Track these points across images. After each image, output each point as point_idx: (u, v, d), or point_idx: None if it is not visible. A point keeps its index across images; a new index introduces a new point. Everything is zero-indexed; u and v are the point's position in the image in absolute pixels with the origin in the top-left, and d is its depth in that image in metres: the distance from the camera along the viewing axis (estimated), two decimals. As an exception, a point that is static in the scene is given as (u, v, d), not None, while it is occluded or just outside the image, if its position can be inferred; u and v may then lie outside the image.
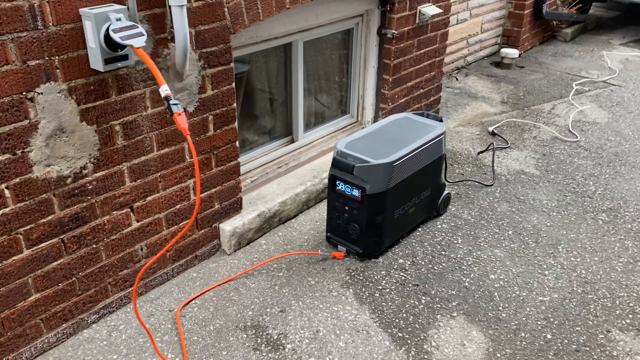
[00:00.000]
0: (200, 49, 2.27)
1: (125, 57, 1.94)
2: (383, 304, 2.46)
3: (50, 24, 1.79)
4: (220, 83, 2.42)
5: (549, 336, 2.31)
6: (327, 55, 3.29)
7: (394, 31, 3.29)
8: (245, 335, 2.27)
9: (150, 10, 2.05)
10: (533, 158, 3.73)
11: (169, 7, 2.07)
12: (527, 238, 2.92)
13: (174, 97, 1.78)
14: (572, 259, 2.77)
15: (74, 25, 1.85)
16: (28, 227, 1.95)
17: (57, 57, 1.84)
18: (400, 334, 2.30)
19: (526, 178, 3.49)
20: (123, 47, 1.87)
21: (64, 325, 2.20)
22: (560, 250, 2.83)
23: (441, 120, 2.92)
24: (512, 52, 5.47)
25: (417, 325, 2.35)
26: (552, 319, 2.40)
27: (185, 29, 2.08)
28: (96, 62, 1.89)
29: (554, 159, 3.71)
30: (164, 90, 1.78)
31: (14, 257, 1.95)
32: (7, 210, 1.87)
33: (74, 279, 2.16)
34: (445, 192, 3.06)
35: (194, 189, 2.50)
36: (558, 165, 3.63)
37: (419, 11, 3.43)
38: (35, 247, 2.00)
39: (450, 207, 3.17)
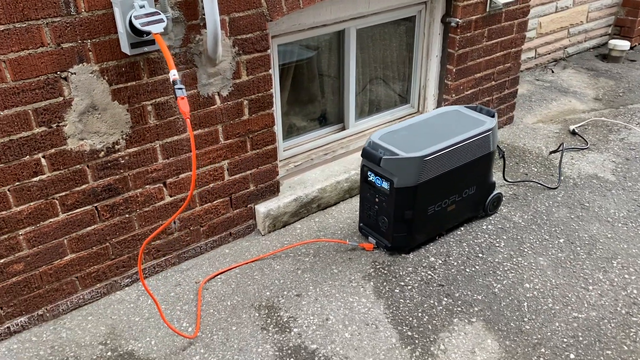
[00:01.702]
0: (234, 36, 2.35)
1: (151, 42, 2.07)
2: (401, 300, 2.41)
3: (83, 10, 1.96)
4: (256, 69, 2.48)
5: (572, 356, 2.13)
6: (387, 43, 3.23)
7: (458, 20, 3.15)
8: (257, 314, 2.35)
9: (182, -2, 2.16)
10: (613, 162, 3.40)
11: (200, -6, 2.17)
12: (579, 248, 2.69)
13: (180, 82, 1.87)
14: (626, 276, 2.51)
15: (105, 11, 2.00)
16: (63, 193, 2.17)
17: (89, 41, 2.01)
18: (409, 333, 2.25)
19: (598, 183, 3.19)
20: (147, 32, 2.00)
21: (98, 285, 2.43)
22: (615, 265, 2.58)
23: (493, 116, 2.76)
24: (622, 44, 4.97)
25: (429, 326, 2.28)
26: (581, 338, 2.20)
27: (216, 16, 2.16)
28: (124, 46, 2.04)
29: (638, 165, 3.35)
30: (172, 74, 1.88)
31: (51, 220, 2.18)
32: (43, 177, 2.10)
33: (107, 244, 2.37)
34: (496, 191, 2.89)
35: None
36: (640, 172, 3.28)
37: (490, -1, 3.24)
38: (70, 212, 2.22)
39: (501, 208, 3.00)
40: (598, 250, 2.68)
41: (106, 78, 2.10)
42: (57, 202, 2.17)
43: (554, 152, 3.53)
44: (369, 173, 2.59)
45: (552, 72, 4.87)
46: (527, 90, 4.44)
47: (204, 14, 2.23)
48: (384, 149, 2.49)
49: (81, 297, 2.40)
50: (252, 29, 2.39)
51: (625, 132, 3.75)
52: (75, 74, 2.02)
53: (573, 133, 3.75)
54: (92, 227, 2.30)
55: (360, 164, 2.63)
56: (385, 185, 2.52)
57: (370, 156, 2.51)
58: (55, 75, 1.98)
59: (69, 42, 1.97)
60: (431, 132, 2.63)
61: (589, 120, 3.91)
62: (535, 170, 3.35)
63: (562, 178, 3.25)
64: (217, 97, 2.42)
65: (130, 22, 1.96)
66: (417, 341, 2.21)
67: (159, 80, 2.23)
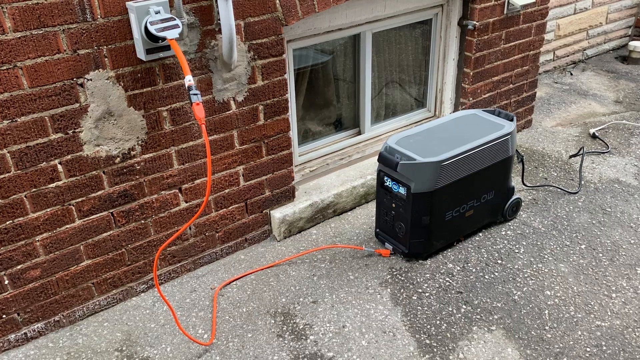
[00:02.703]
0: (249, 41, 2.34)
1: (167, 48, 2.07)
2: (418, 307, 2.37)
3: (99, 17, 1.96)
4: (272, 74, 2.47)
5: (595, 366, 2.08)
6: (402, 47, 3.20)
7: (475, 22, 3.11)
8: (273, 321, 2.33)
9: (197, 3, 2.15)
10: (635, 166, 3.32)
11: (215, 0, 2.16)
12: (601, 254, 2.63)
13: (195, 88, 1.86)
14: (650, 283, 2.45)
15: (121, 17, 2.00)
16: (79, 199, 2.17)
17: (105, 47, 2.01)
18: (427, 341, 2.21)
19: (620, 188, 3.12)
20: (163, 38, 1.99)
21: (114, 291, 2.42)
22: (639, 272, 2.51)
23: (512, 120, 2.72)
24: (642, 45, 4.88)
25: (448, 334, 2.24)
26: (605, 348, 2.15)
27: (231, 21, 2.15)
28: (140, 52, 2.04)
29: (661, 169, 3.28)
30: (188, 80, 1.87)
31: (67, 226, 2.18)
32: (60, 183, 2.10)
33: (123, 250, 2.37)
34: (515, 196, 2.84)
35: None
36: (664, 176, 3.20)
37: (508, 1, 3.19)
38: (86, 218, 2.22)
39: (520, 213, 2.95)
40: (621, 256, 2.61)
41: (122, 84, 2.09)
42: (73, 208, 2.17)
43: (574, 156, 3.46)
44: (385, 178, 2.56)
45: (571, 74, 4.79)
46: (546, 93, 4.38)
47: (219, 19, 2.22)
48: (401, 154, 2.46)
49: (97, 303, 2.40)
50: (267, 33, 2.38)
51: (648, 135, 3.68)
52: (91, 80, 2.02)
53: (593, 136, 3.68)
54: (108, 233, 2.30)
55: (377, 169, 2.60)
56: (402, 190, 2.49)
57: (387, 161, 2.48)
58: (72, 81, 1.99)
59: (85, 48, 1.97)
60: (448, 136, 2.59)
61: (610, 123, 3.84)
62: (555, 174, 3.29)
63: (582, 182, 3.19)
64: (232, 102, 2.41)
65: (146, 27, 1.96)
66: (435, 349, 2.17)
67: (175, 85, 2.23)
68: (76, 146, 2.08)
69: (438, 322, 2.30)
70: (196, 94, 1.84)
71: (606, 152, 3.49)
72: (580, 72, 4.80)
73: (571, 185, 3.18)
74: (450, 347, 2.18)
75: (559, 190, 3.14)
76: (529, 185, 3.18)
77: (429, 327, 2.28)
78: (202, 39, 2.22)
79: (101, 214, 2.25)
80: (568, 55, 4.92)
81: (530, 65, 3.58)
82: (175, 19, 1.98)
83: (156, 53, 2.05)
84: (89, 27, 1.95)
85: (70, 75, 1.97)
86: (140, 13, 1.95)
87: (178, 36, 1.95)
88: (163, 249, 2.41)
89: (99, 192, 2.21)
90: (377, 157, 3.18)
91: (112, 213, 2.27)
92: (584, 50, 5.02)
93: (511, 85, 3.54)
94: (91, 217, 2.23)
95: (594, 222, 2.86)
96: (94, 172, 2.16)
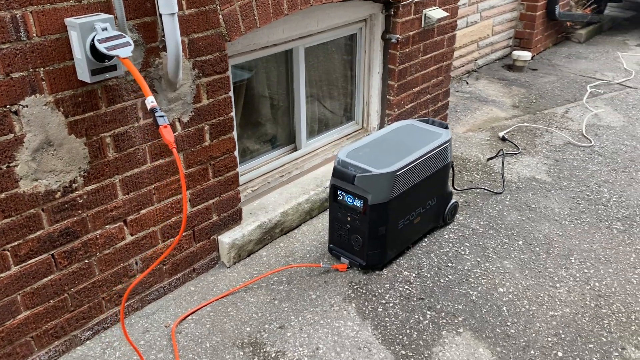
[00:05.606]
0: (194, 58, 2.21)
1: (113, 68, 1.89)
2: (386, 319, 2.36)
3: (34, 35, 1.74)
4: (217, 92, 2.35)
5: (560, 354, 2.20)
6: (331, 62, 3.22)
7: (398, 36, 3.21)
8: (242, 353, 2.19)
9: (140, 19, 1.99)
10: (545, 164, 3.61)
11: (160, 15, 2.01)
12: (537, 248, 2.81)
13: (160, 109, 1.71)
14: (585, 270, 2.65)
15: (59, 35, 1.79)
16: (16, 243, 1.90)
17: (42, 69, 1.78)
18: (403, 352, 2.21)
19: (537, 185, 3.37)
20: (110, 57, 1.81)
21: (56, 342, 2.14)
22: (573, 261, 2.72)
23: (446, 127, 2.83)
24: (524, 55, 5.35)
25: (421, 342, 2.25)
26: (563, 335, 2.28)
27: (177, 38, 2.02)
28: (83, 73, 1.83)
29: (567, 165, 3.59)
30: (150, 102, 1.72)
31: (1, 275, 1.90)
32: (-8, 226, 1.82)
33: (65, 295, 2.11)
34: (453, 200, 2.96)
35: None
36: (571, 172, 3.51)
37: (425, 15, 3.34)
38: (23, 264, 1.94)
39: (457, 216, 3.07)
40: (555, 248, 2.81)
41: (62, 110, 1.87)
42: (8, 253, 1.89)
43: (492, 158, 3.68)
44: (339, 192, 2.53)
45: (467, 83, 5.12)
46: (451, 102, 4.63)
47: (163, 36, 2.07)
48: (355, 167, 2.45)
49: (37, 359, 2.10)
50: (211, 50, 2.26)
51: (548, 135, 4.01)
52: (27, 106, 1.78)
53: (503, 139, 3.95)
54: (49, 277, 2.03)
55: (330, 184, 2.57)
56: (358, 203, 2.48)
57: (343, 175, 2.46)
58: (4, 109, 1.74)
59: (20, 71, 1.74)
60: (394, 147, 2.63)
61: (514, 126, 4.14)
62: (478, 177, 3.48)
63: (505, 183, 3.39)
64: (177, 123, 2.26)
65: (92, 46, 1.77)
66: (412, 359, 2.17)
67: (118, 109, 2.04)
68: (11, 182, 1.82)
69: (408, 331, 2.31)
70: (162, 116, 1.69)
71: (518, 153, 3.76)
72: (475, 81, 5.15)
73: (495, 186, 3.38)
74: (426, 355, 2.19)
75: (486, 191, 3.31)
76: (458, 189, 3.33)
77: (401, 337, 2.28)
78: (146, 58, 2.05)
79: (41, 257, 1.98)
80: (463, 66, 5.25)
81: (444, 75, 3.76)
82: (125, 36, 1.81)
83: (102, 74, 1.86)
84: (23, 46, 1.72)
85: (3, 102, 1.73)
86: (84, 30, 1.76)
87: (131, 54, 1.79)
88: (132, 288, 2.19)
89: (38, 233, 1.95)
90: (315, 172, 3.16)
91: (52, 255, 2.02)
92: (476, 60, 5.40)
93: (429, 95, 3.69)
94: (29, 262, 1.96)
95: (523, 218, 3.05)
96: (32, 210, 1.90)
